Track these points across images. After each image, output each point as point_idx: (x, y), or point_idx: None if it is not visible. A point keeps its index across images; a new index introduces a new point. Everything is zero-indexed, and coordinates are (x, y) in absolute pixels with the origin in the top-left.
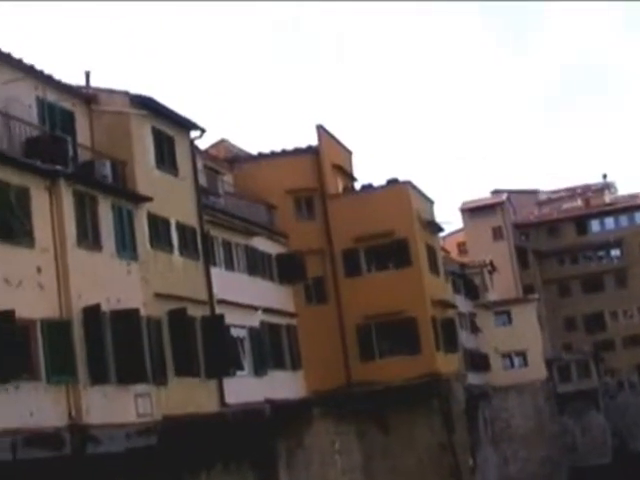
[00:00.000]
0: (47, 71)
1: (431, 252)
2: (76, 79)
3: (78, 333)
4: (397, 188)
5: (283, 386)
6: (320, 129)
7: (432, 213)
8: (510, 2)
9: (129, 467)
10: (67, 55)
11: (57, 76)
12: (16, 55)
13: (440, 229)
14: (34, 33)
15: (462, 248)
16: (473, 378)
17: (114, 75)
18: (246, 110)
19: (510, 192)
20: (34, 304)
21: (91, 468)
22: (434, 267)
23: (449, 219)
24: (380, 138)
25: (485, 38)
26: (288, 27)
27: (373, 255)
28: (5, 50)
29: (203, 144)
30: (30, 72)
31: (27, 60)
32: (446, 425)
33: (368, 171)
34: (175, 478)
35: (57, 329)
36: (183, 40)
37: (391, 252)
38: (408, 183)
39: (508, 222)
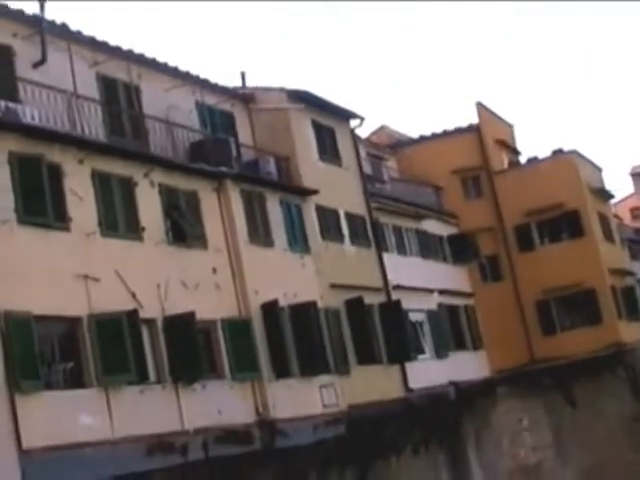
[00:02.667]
0: (203, 75)
1: (604, 220)
2: (230, 80)
3: (258, 329)
4: (563, 158)
5: (466, 367)
6: (479, 106)
7: (601, 180)
8: None
9: (319, 458)
10: (218, 57)
11: (213, 79)
12: (172, 63)
13: (611, 196)
14: (181, 39)
15: (635, 213)
16: None
17: (266, 72)
18: (402, 93)
19: None
20: (213, 304)
21: (281, 461)
22: (608, 235)
23: (619, 185)
24: (540, 107)
25: None
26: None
27: (545, 228)
28: (161, 60)
29: (363, 132)
30: (187, 78)
31: (182, 67)
32: (635, 395)
33: (532, 143)
34: (365, 465)
35: (237, 327)
36: (327, 28)
37: (563, 224)
38: (574, 152)
39: None
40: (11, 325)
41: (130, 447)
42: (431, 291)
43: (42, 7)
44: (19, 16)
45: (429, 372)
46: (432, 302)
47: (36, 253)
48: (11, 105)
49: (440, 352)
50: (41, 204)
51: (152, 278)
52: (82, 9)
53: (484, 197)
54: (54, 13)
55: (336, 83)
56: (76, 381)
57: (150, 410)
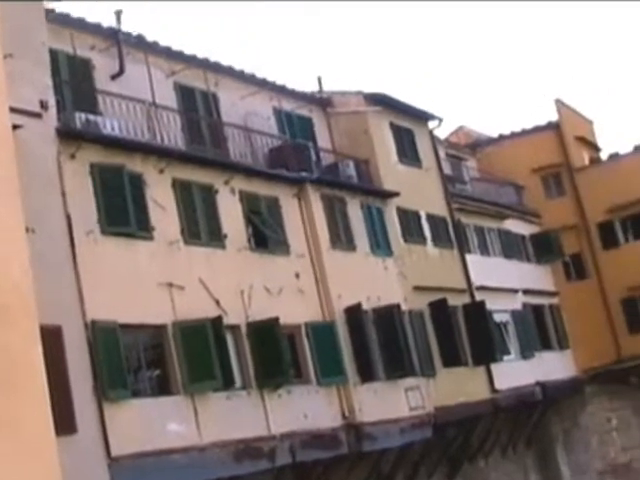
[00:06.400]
0: (280, 82)
1: None
2: (307, 86)
3: (342, 333)
4: None
5: (552, 367)
6: (559, 103)
7: None
8: None
9: (406, 461)
10: (294, 63)
11: (290, 85)
12: (248, 70)
13: None
14: (256, 47)
15: None
16: None
17: (342, 76)
18: (479, 93)
19: None
20: (296, 309)
21: (369, 465)
22: None
23: None
24: (619, 102)
25: None
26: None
27: (629, 224)
28: (237, 67)
29: (442, 133)
30: (264, 85)
31: (259, 74)
32: None
33: (612, 139)
34: (454, 468)
35: (322, 331)
36: (399, 30)
37: None
38: None
39: None
40: (98, 334)
41: (218, 453)
42: (515, 291)
43: (118, 19)
44: (96, 29)
45: (515, 373)
46: (516, 302)
47: (120, 263)
48: (91, 117)
49: (526, 352)
50: (124, 214)
51: (235, 284)
52: (156, 20)
53: (566, 195)
54: (130, 25)
55: (412, 85)
56: (163, 388)
57: (237, 416)
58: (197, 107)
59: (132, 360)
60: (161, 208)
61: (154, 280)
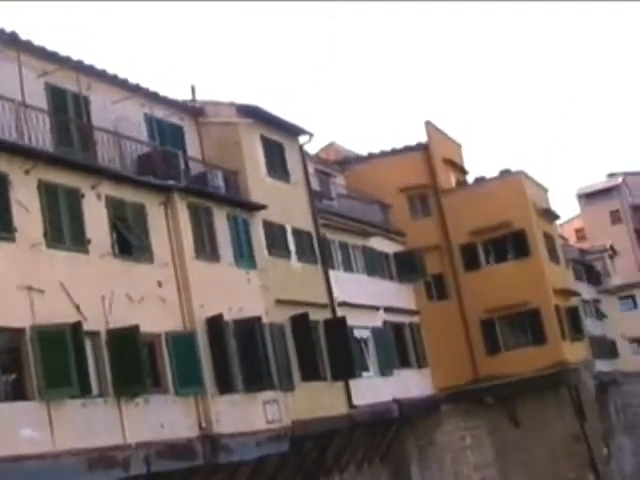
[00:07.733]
0: (152, 88)
1: (549, 240)
2: (180, 94)
3: (203, 344)
4: (511, 178)
5: (410, 385)
6: (428, 125)
7: (547, 201)
8: None
9: (262, 474)
10: (168, 71)
11: (163, 92)
12: (121, 75)
13: (556, 217)
14: (131, 53)
15: (580, 234)
16: (601, 365)
17: (216, 87)
18: (351, 111)
19: (626, 174)
20: (157, 318)
21: (224, 477)
22: (554, 255)
23: (565, 206)
24: (488, 127)
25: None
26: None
27: (491, 247)
28: (111, 71)
29: (312, 148)
30: (136, 90)
31: (132, 79)
32: (577, 415)
33: (479, 162)
34: None
35: (182, 341)
36: (275, 44)
37: (509, 243)
38: (521, 173)
39: (626, 205)
40: None
41: (71, 461)
42: (376, 308)
43: None
44: None
45: (373, 389)
46: (377, 319)
47: None
48: None
49: (384, 369)
50: None
51: (97, 291)
52: (32, 19)
53: (431, 216)
54: (2, 22)
55: (286, 99)
56: (18, 393)
57: (92, 424)
58: (67, 109)
59: None
60: (25, 210)
61: (13, 282)
